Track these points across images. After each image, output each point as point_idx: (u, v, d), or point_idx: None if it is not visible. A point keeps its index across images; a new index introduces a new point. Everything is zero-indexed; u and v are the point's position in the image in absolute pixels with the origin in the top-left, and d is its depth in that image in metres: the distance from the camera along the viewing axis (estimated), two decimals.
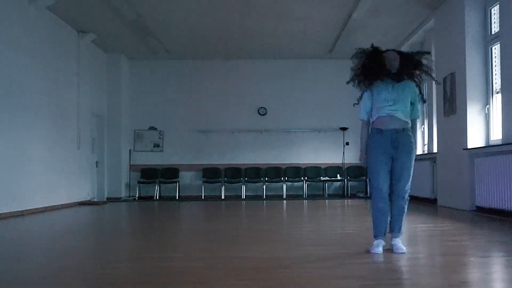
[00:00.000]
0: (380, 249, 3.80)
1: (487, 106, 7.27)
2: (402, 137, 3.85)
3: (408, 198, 3.91)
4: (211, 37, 10.37)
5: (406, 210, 3.93)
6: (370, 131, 3.98)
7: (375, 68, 3.88)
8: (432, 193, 8.87)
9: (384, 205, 3.86)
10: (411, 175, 3.88)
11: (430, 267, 3.45)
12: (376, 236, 3.89)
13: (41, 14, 8.38)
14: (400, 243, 3.85)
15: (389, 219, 3.91)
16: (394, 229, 3.91)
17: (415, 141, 3.94)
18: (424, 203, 8.84)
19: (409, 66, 3.91)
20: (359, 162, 4.09)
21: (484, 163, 6.74)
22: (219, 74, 12.24)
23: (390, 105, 3.84)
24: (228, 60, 12.19)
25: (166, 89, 12.24)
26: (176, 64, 12.23)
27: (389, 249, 3.85)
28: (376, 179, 3.86)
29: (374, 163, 3.88)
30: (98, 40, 10.54)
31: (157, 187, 11.69)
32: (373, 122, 3.95)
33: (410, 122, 3.92)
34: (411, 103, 3.91)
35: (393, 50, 3.98)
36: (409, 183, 3.88)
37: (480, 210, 6.89)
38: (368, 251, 3.81)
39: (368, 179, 4.10)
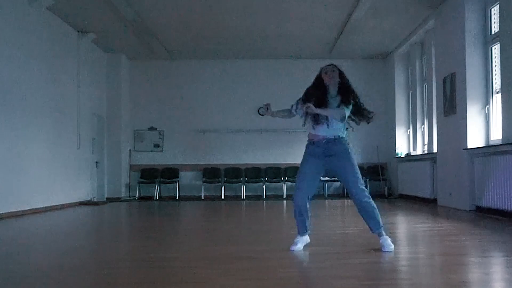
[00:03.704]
0: (298, 246, 3.87)
1: (487, 106, 7.27)
2: (336, 146, 3.87)
3: (369, 195, 3.83)
4: (211, 37, 10.37)
5: (374, 206, 3.84)
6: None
7: (317, 94, 4.07)
8: (432, 193, 8.87)
9: (299, 203, 3.91)
10: (357, 173, 3.83)
11: (430, 267, 3.45)
12: (297, 233, 3.99)
13: (41, 14, 8.37)
14: (387, 241, 3.77)
15: (308, 219, 3.96)
16: (372, 228, 3.86)
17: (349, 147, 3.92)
18: (424, 203, 8.84)
19: (346, 92, 3.99)
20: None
21: (484, 163, 6.74)
22: (219, 74, 12.24)
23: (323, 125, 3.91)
24: (228, 60, 12.18)
25: (166, 89, 12.22)
26: (176, 64, 12.22)
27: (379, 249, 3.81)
28: (299, 179, 3.95)
29: (302, 166, 3.97)
30: (98, 40, 10.54)
31: (157, 187, 11.69)
32: (308, 134, 4.06)
33: (343, 132, 3.94)
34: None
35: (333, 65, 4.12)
36: (360, 181, 3.82)
37: (480, 210, 6.89)
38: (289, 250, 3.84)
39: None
